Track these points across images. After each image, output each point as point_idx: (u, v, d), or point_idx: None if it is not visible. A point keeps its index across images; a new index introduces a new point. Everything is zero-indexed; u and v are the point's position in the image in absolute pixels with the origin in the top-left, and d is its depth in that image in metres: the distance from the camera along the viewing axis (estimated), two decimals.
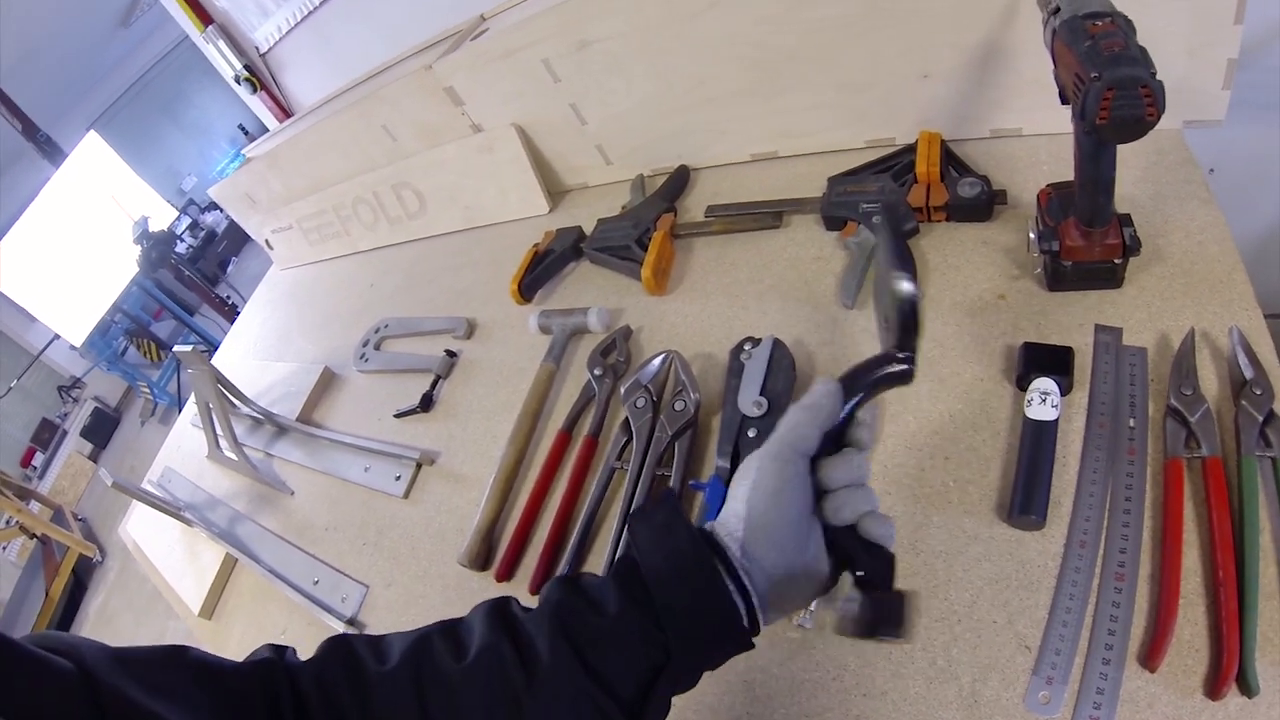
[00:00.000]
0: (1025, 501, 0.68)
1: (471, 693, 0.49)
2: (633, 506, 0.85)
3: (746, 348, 0.89)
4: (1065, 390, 0.74)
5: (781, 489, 0.50)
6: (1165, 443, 0.70)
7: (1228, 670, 0.56)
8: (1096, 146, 0.72)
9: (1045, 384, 0.74)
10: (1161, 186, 0.89)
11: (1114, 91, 0.64)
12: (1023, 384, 0.77)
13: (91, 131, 4.86)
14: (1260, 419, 0.67)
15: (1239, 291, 0.77)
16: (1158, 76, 0.64)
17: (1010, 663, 0.63)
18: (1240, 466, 0.65)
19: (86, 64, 5.25)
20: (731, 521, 0.51)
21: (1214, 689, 0.56)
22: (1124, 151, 0.92)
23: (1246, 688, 0.56)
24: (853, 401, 0.53)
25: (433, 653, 0.51)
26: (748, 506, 0.50)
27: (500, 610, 0.53)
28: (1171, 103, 0.91)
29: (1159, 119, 0.65)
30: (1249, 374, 0.70)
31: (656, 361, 0.94)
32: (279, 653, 0.53)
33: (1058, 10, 0.73)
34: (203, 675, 0.47)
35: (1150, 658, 0.59)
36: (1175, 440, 0.69)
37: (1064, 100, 0.71)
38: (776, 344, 0.88)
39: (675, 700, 0.52)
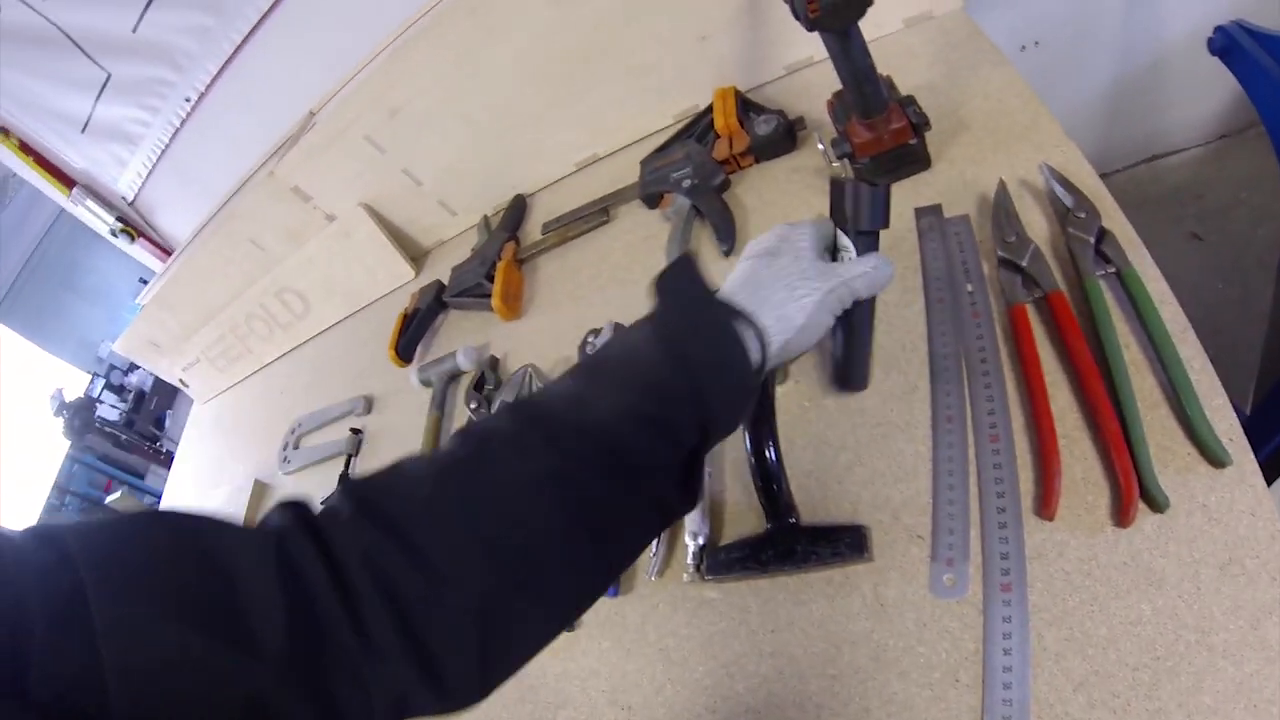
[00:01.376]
0: (842, 376, 0.69)
1: (540, 522, 0.45)
2: None
3: (590, 339, 0.96)
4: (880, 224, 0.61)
5: (775, 252, 0.58)
6: (1004, 294, 0.71)
7: (1128, 493, 0.55)
8: (835, 40, 0.74)
9: (842, 240, 0.63)
10: (953, 65, 0.93)
11: None
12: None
13: None
14: (1091, 240, 0.68)
15: (1046, 133, 0.80)
16: None
17: (905, 556, 0.64)
18: (1085, 290, 0.66)
19: None
20: (780, 326, 0.55)
21: (1121, 516, 0.56)
22: (911, 41, 0.98)
23: (1155, 504, 0.55)
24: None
25: (476, 472, 0.46)
26: (803, 323, 0.55)
27: (541, 420, 0.49)
28: None
29: None
30: (1069, 202, 0.71)
31: (516, 379, 1.01)
32: (295, 512, 0.44)
33: None
34: (203, 554, 0.39)
35: (1045, 506, 0.59)
36: (1012, 288, 0.70)
37: (794, 14, 0.72)
38: (616, 327, 0.95)
39: (594, 686, 0.55)
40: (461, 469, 0.46)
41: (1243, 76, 0.99)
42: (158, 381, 4.90)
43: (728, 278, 0.59)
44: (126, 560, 0.37)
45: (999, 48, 0.93)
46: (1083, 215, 0.70)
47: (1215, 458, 0.55)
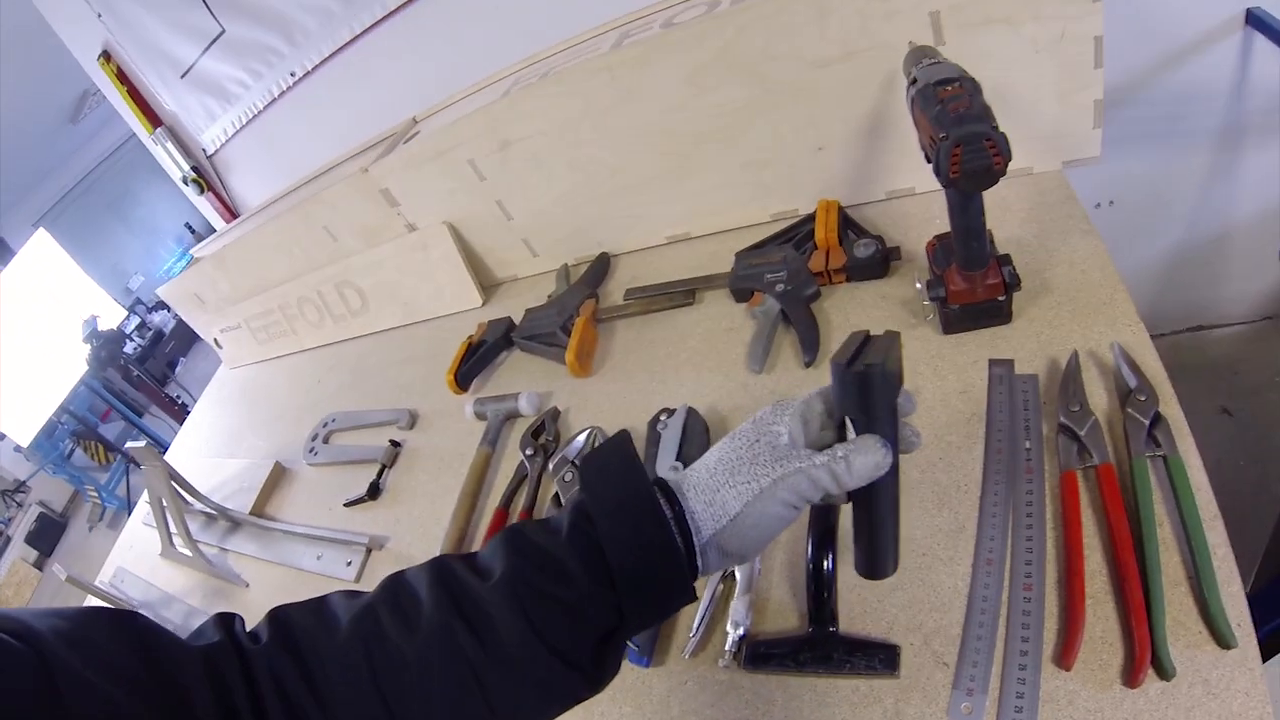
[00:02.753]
0: (863, 564, 0.59)
1: (430, 675, 0.48)
2: None
3: (662, 418, 0.96)
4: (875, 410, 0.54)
5: (739, 434, 0.53)
6: (1059, 458, 0.74)
7: (1141, 658, 0.59)
8: (959, 198, 0.77)
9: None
10: (1045, 225, 0.96)
11: (961, 147, 0.71)
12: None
13: (40, 229, 4.83)
14: (1146, 422, 0.71)
15: (1121, 310, 0.83)
16: (1000, 129, 0.71)
17: (930, 680, 0.66)
18: (1133, 468, 0.69)
19: (34, 160, 5.19)
20: (711, 512, 0.51)
21: (1131, 677, 0.59)
22: (1009, 197, 1.01)
23: (1163, 671, 0.58)
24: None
25: (382, 631, 0.49)
26: (739, 511, 0.50)
27: (443, 576, 0.52)
28: (1049, 147, 1.02)
29: (1005, 167, 0.71)
30: (1132, 383, 0.75)
31: (581, 438, 1.01)
32: (227, 630, 0.50)
33: (915, 81, 0.80)
34: (154, 660, 0.45)
35: (1064, 657, 0.62)
36: (1068, 454, 0.73)
37: (928, 160, 0.76)
38: (690, 412, 0.95)
39: None
40: (370, 617, 0.50)
41: None
42: (179, 326, 4.93)
43: None
44: (91, 660, 0.42)
45: (1087, 214, 0.96)
46: (1143, 398, 0.73)
47: (1223, 639, 0.59)
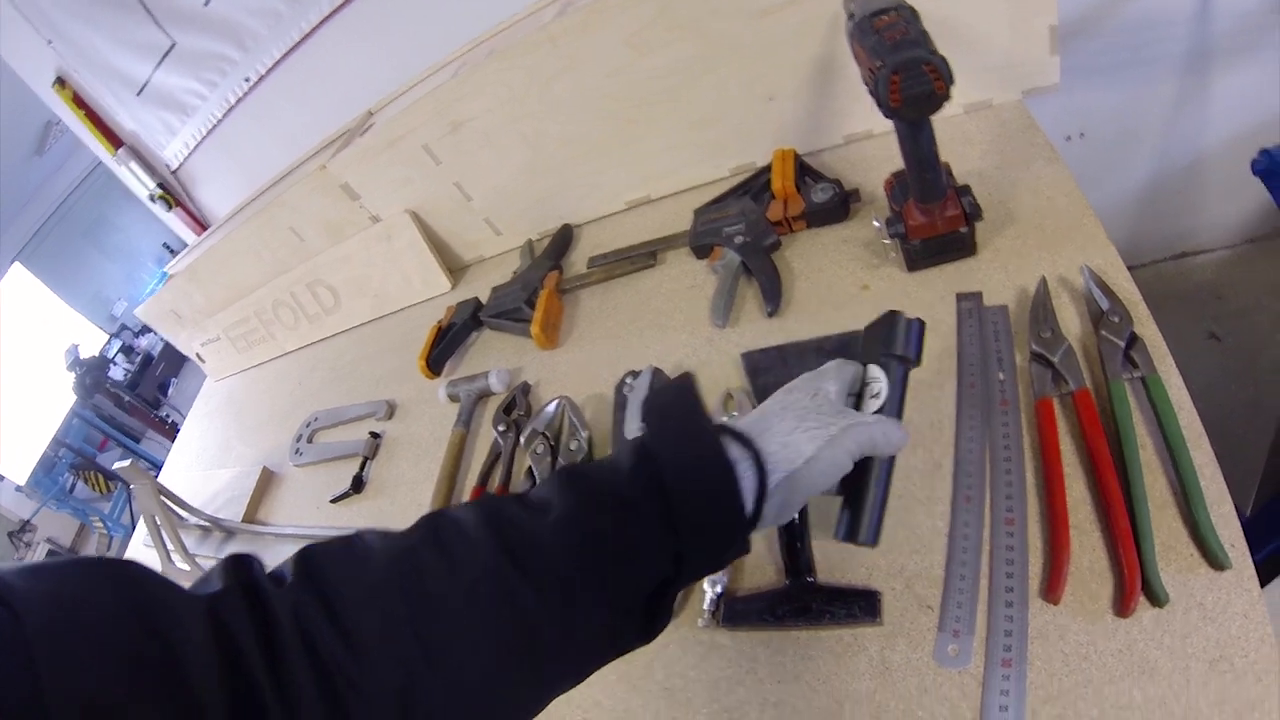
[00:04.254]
0: (847, 527, 0.59)
1: (476, 622, 0.44)
2: None
3: (628, 381, 0.97)
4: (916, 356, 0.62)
5: (791, 389, 0.56)
6: (1034, 387, 0.73)
7: (1131, 586, 0.58)
8: (907, 128, 0.76)
9: (873, 373, 0.62)
10: (1007, 155, 0.95)
11: (900, 74, 0.70)
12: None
13: (16, 264, 4.81)
14: (1122, 344, 0.70)
15: (1090, 234, 0.82)
16: (939, 53, 0.70)
17: (914, 624, 0.66)
18: (1110, 392, 0.68)
19: (4, 195, 5.18)
20: (786, 454, 0.51)
21: (1122, 606, 0.58)
22: (970, 130, 1.00)
23: (1155, 598, 0.57)
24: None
25: (423, 576, 0.45)
26: (812, 454, 0.51)
27: (492, 516, 0.48)
28: (1006, 77, 1.00)
29: (948, 90, 0.70)
30: (1105, 305, 0.74)
31: (550, 408, 1.01)
32: (239, 574, 0.44)
33: (852, 16, 0.79)
34: (144, 613, 0.38)
35: (1051, 590, 0.61)
36: (1042, 382, 0.73)
37: (871, 94, 0.75)
38: (655, 372, 0.95)
39: (595, 718, 0.54)
40: (410, 558, 0.46)
41: None
42: (167, 347, 4.91)
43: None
44: (73, 618, 0.36)
45: (1050, 141, 0.95)
46: (1116, 319, 0.72)
47: (1216, 560, 0.57)
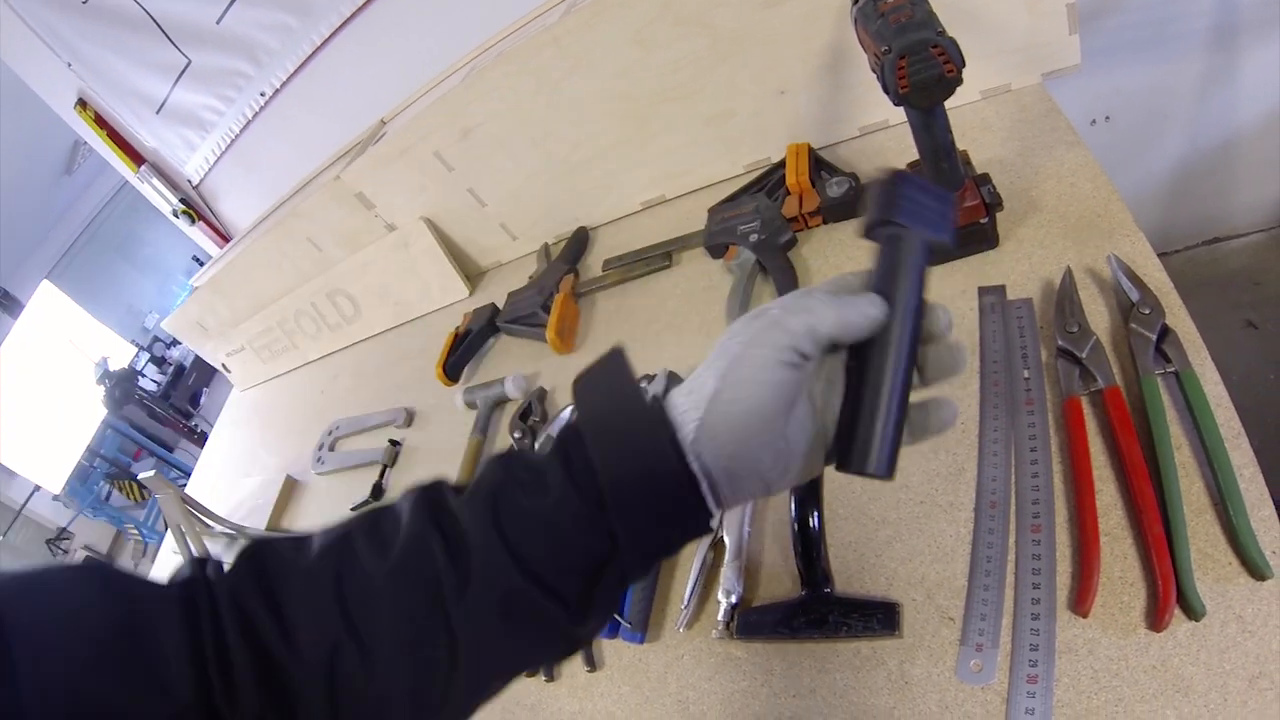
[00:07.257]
0: (838, 450, 0.45)
1: (394, 597, 0.43)
2: None
3: (642, 384, 0.95)
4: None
5: (765, 383, 0.43)
6: (1061, 385, 0.69)
7: (1165, 597, 0.54)
8: (918, 115, 0.73)
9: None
10: (1028, 141, 0.91)
11: (906, 59, 0.66)
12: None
13: (45, 281, 4.92)
14: (1153, 337, 0.66)
15: (1117, 221, 0.78)
16: (947, 35, 0.66)
17: (935, 637, 0.63)
18: (1142, 388, 0.64)
19: (35, 214, 5.27)
20: (691, 399, 0.44)
21: (1156, 620, 0.55)
22: (989, 116, 0.96)
23: (1190, 610, 0.54)
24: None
25: (354, 552, 0.45)
26: (716, 387, 0.43)
27: (430, 497, 0.47)
28: (1025, 60, 0.96)
29: (959, 73, 0.67)
30: (1134, 296, 0.69)
31: (566, 413, 1.01)
32: (201, 567, 0.46)
33: (856, 1, 0.76)
34: (123, 600, 0.41)
35: (1080, 602, 0.58)
36: (1069, 379, 0.69)
37: (880, 81, 0.71)
38: (670, 376, 0.94)
39: None
40: (344, 542, 0.46)
41: None
42: (198, 359, 4.99)
43: None
44: (56, 618, 0.38)
45: (1073, 125, 0.91)
46: (1147, 311, 0.68)
47: (1257, 570, 0.54)
